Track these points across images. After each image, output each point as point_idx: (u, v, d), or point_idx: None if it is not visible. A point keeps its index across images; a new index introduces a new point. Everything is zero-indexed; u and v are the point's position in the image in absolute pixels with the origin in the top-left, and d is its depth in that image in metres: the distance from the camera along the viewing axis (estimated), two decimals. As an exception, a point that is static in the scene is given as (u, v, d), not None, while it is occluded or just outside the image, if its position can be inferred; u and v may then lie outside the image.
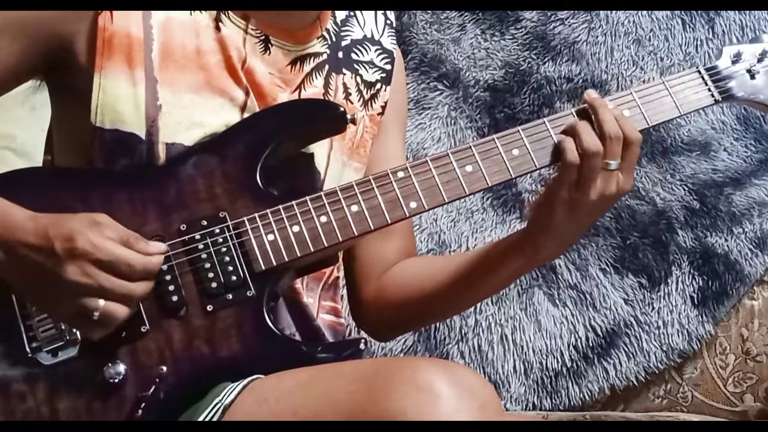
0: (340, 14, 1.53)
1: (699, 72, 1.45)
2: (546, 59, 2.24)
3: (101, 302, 1.19)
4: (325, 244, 1.31)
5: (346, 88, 1.51)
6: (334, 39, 1.50)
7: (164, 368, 1.26)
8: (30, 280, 1.21)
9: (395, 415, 1.08)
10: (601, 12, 2.24)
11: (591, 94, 1.39)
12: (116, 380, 1.25)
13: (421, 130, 2.20)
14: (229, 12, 1.40)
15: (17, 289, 1.25)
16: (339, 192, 1.33)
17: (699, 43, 2.24)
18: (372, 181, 1.34)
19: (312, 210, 1.32)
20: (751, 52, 1.47)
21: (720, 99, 1.45)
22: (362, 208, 1.33)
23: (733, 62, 1.46)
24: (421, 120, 2.21)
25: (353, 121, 1.39)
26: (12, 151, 2.35)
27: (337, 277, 1.53)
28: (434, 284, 1.52)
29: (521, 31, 2.25)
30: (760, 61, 1.47)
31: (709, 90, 1.44)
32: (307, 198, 1.32)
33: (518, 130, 1.37)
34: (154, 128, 1.34)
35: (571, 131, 1.36)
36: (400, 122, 1.64)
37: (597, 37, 2.24)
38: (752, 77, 1.46)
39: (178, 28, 1.37)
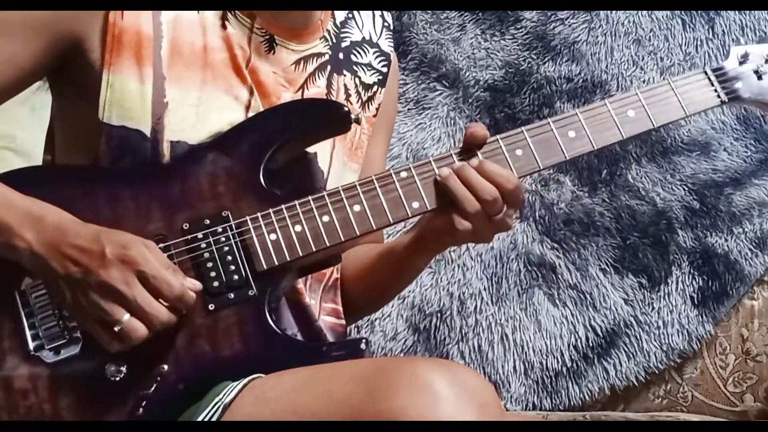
0: (340, 16, 1.53)
1: (705, 73, 1.44)
2: (546, 59, 2.24)
3: (126, 316, 1.20)
4: (327, 244, 1.31)
5: (346, 89, 1.51)
6: (334, 40, 1.50)
7: (165, 367, 1.26)
8: (66, 280, 1.21)
9: (395, 415, 1.08)
10: (601, 12, 2.24)
11: (443, 172, 1.34)
12: (118, 378, 1.25)
13: (421, 130, 2.21)
14: (236, 10, 1.40)
15: (49, 286, 1.26)
16: (342, 192, 1.33)
17: (699, 43, 2.24)
18: (375, 180, 1.34)
19: (314, 209, 1.32)
20: (758, 53, 1.46)
21: (726, 100, 1.44)
22: (364, 208, 1.33)
23: (741, 63, 1.45)
24: (421, 120, 2.21)
25: (357, 121, 1.39)
26: (12, 151, 2.35)
27: (337, 279, 1.53)
28: (366, 270, 1.55)
29: (521, 31, 2.26)
30: (767, 61, 1.46)
31: (716, 91, 1.43)
32: (310, 197, 1.32)
33: (522, 131, 1.37)
34: (160, 125, 1.34)
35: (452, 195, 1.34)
36: (387, 126, 1.65)
37: (597, 37, 2.24)
38: (759, 78, 1.45)
39: (187, 25, 1.37)
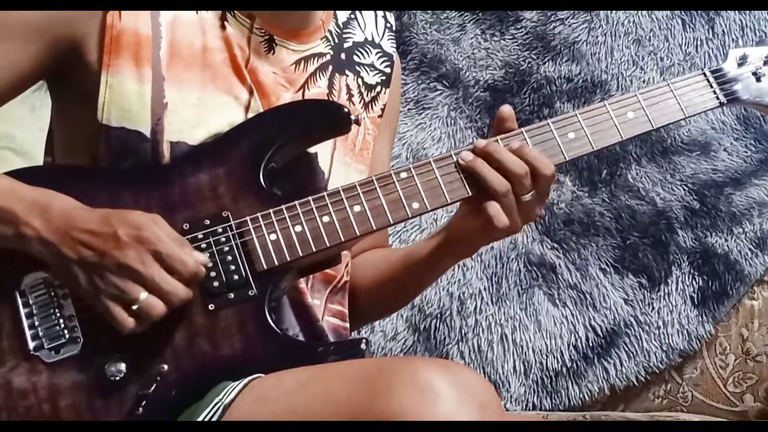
0: (342, 16, 1.53)
1: (704, 74, 1.44)
2: (546, 59, 2.24)
3: (144, 294, 1.21)
4: (327, 244, 1.31)
5: (348, 89, 1.51)
6: (336, 40, 1.50)
7: (165, 366, 1.26)
8: (80, 264, 1.22)
9: (395, 415, 1.08)
10: (601, 12, 2.24)
11: (479, 144, 1.36)
12: (117, 378, 1.25)
13: (421, 130, 2.21)
14: (235, 11, 1.40)
15: (60, 273, 1.26)
16: (342, 192, 1.33)
17: (699, 43, 2.24)
18: (375, 181, 1.34)
19: (314, 210, 1.32)
20: (757, 55, 1.46)
21: (725, 101, 1.44)
22: (365, 208, 1.33)
23: (739, 65, 1.45)
24: (421, 120, 2.21)
25: (357, 122, 1.39)
26: (12, 150, 2.35)
27: (347, 282, 1.53)
28: (382, 276, 1.55)
29: (521, 31, 2.26)
30: (766, 63, 1.45)
31: (714, 92, 1.43)
32: (310, 198, 1.32)
33: (522, 131, 1.37)
34: (160, 126, 1.34)
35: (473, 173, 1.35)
36: (391, 127, 1.65)
37: (597, 37, 2.24)
38: (758, 80, 1.45)
39: (186, 26, 1.37)
